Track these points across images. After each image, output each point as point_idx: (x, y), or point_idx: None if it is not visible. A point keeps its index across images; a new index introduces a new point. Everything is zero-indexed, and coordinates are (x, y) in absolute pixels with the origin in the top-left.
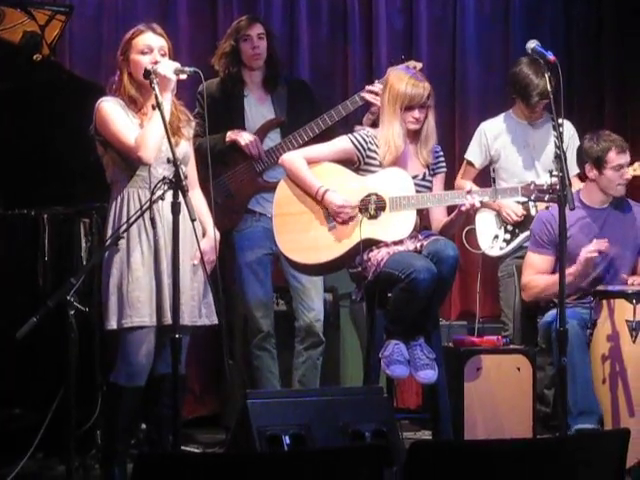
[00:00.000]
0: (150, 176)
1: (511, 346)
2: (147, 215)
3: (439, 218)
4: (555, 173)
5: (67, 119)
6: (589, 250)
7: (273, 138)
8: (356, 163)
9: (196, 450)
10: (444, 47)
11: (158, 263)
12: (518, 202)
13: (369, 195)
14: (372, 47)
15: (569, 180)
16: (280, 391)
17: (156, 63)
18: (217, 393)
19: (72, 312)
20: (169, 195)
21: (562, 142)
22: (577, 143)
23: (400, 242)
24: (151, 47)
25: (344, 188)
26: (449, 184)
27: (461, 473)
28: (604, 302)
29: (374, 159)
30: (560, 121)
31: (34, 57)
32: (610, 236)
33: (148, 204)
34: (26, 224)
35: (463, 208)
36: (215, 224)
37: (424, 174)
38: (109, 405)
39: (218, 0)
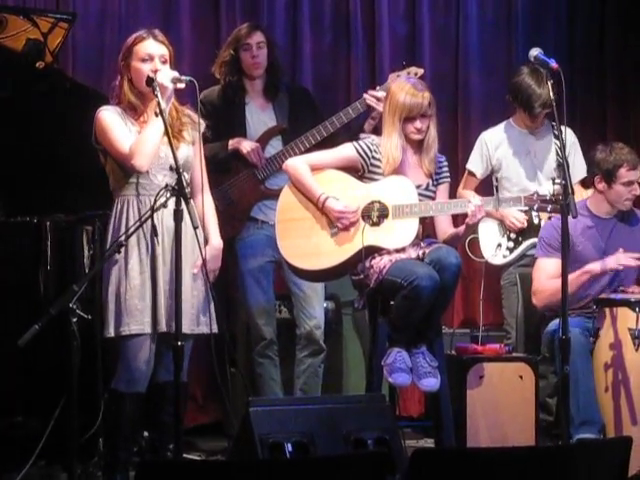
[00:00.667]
0: (151, 184)
1: (514, 354)
2: (147, 223)
3: (444, 229)
4: (558, 181)
5: (70, 126)
6: (620, 262)
7: (275, 145)
8: (360, 171)
9: (198, 458)
10: (447, 55)
11: (155, 270)
12: (520, 210)
13: (372, 202)
14: (375, 55)
15: (572, 188)
16: (282, 399)
17: (156, 72)
18: (219, 401)
19: (74, 319)
20: (171, 202)
21: (564, 150)
22: (579, 150)
23: (402, 250)
24: (152, 55)
25: (347, 195)
26: (453, 194)
27: None
28: (607, 310)
29: (378, 167)
30: (562, 129)
31: (37, 65)
32: (616, 246)
33: (150, 212)
34: (28, 231)
35: (469, 212)
36: None
37: (427, 184)
38: (111, 412)
39: (221, 7)
